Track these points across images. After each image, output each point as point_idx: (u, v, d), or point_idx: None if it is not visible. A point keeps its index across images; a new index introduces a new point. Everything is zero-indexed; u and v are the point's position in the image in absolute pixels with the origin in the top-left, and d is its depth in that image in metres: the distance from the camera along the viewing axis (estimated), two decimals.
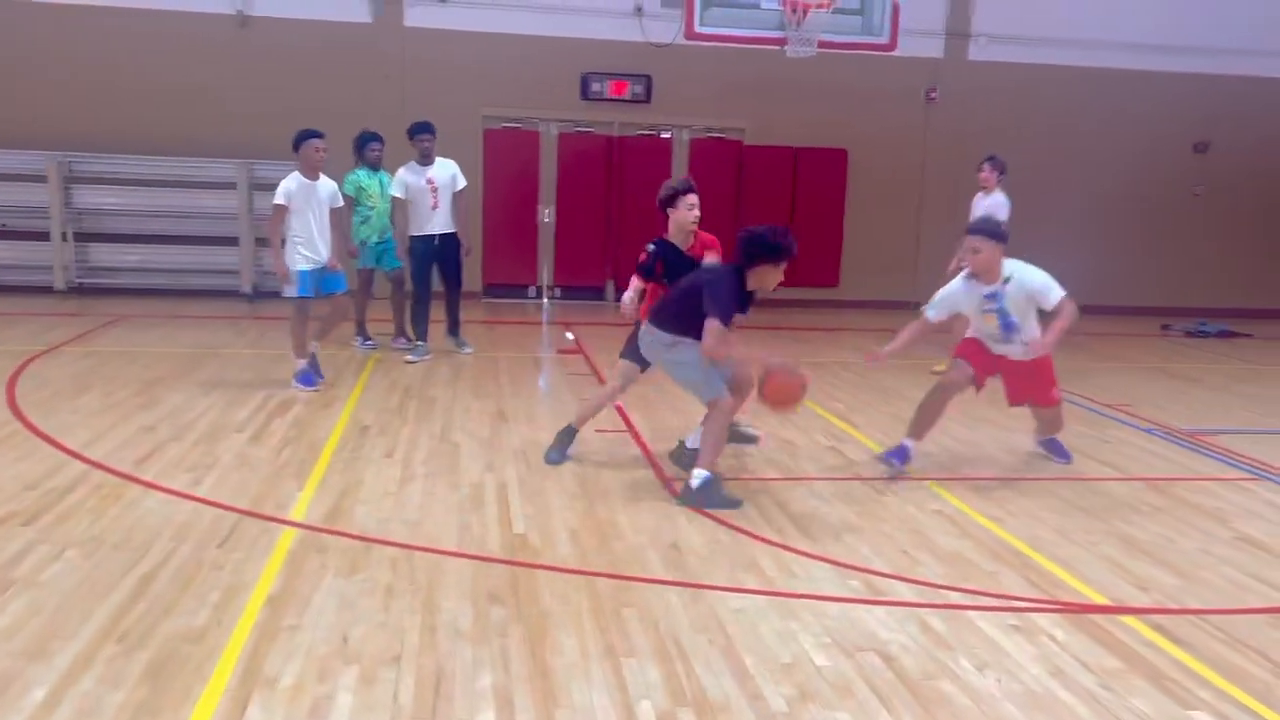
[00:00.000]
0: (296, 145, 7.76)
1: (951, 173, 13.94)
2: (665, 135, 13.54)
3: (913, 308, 14.12)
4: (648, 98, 13.31)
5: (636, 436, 6.77)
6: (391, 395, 7.74)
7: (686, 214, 6.29)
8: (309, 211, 7.75)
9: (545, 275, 13.70)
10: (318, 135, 7.78)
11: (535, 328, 11.74)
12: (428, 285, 9.14)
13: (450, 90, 13.00)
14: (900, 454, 6.07)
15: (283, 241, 7.78)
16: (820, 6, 10.10)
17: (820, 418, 7.54)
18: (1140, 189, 14.31)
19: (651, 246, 6.33)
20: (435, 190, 9.03)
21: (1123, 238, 14.39)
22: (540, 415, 7.27)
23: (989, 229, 6.05)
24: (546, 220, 13.56)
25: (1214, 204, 14.43)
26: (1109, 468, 6.43)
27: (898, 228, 14.05)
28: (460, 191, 9.26)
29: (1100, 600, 4.37)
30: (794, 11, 10.18)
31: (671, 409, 7.58)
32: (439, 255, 9.12)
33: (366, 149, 9.39)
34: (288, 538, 4.76)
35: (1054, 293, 5.85)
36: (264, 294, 12.49)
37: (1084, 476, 6.21)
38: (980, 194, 9.30)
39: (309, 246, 7.76)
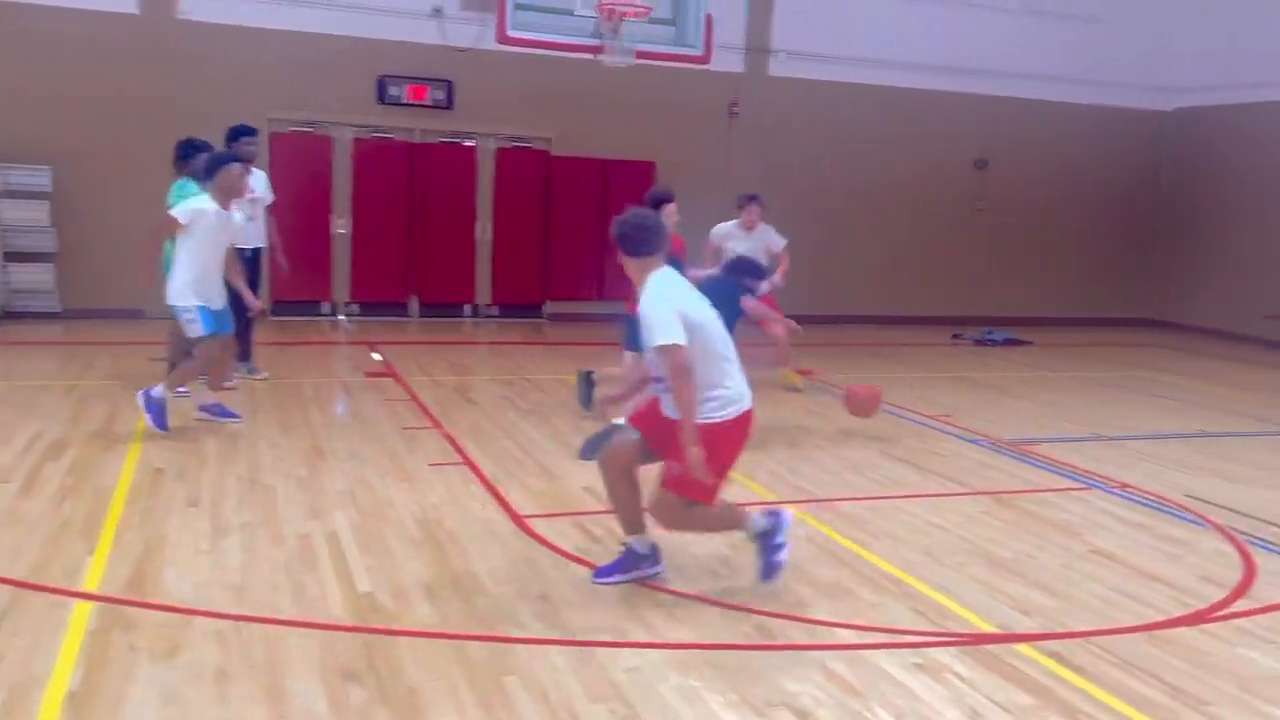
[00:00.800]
0: (210, 170, 6.81)
1: (756, 184, 14.09)
2: (469, 143, 12.97)
3: None
4: (450, 104, 12.70)
5: (475, 469, 6.25)
6: (183, 432, 6.85)
7: (668, 221, 6.91)
8: (214, 240, 6.81)
9: (341, 291, 12.81)
10: (238, 157, 6.93)
11: (334, 348, 10.90)
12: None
13: (231, 91, 11.91)
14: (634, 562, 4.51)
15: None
16: (636, 15, 9.86)
17: None
18: (928, 203, 14.95)
19: None
20: (254, 201, 8.22)
21: (912, 250, 14.99)
22: (363, 447, 6.61)
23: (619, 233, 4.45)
24: (341, 231, 12.69)
25: (993, 218, 15.28)
26: (953, 482, 6.46)
27: (703, 238, 14.02)
28: (271, 205, 8.48)
29: (989, 628, 4.26)
30: (609, 19, 9.89)
31: (507, 435, 7.09)
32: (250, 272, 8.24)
33: (196, 158, 7.77)
34: (83, 613, 3.98)
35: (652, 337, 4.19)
36: (14, 314, 11.03)
37: (931, 493, 6.20)
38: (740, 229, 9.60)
39: (203, 284, 6.79)
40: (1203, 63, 15.36)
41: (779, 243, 9.57)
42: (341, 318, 12.68)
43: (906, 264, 14.99)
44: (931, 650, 4.01)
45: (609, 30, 9.90)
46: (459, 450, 6.67)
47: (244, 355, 8.62)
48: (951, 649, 4.04)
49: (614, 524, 5.18)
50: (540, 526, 5.22)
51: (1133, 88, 15.59)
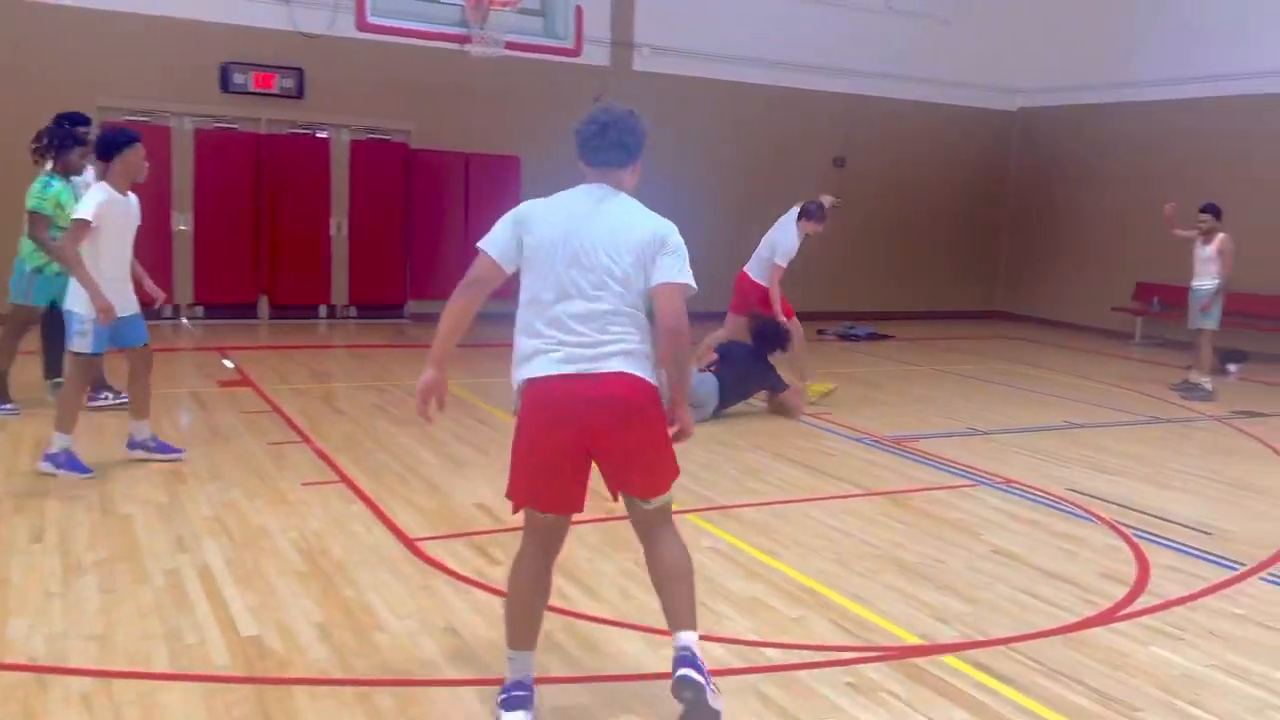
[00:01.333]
0: (109, 149, 5.78)
1: None
2: (321, 135, 12.31)
3: None
4: (300, 93, 12.02)
5: (355, 488, 5.82)
6: (18, 455, 6.16)
7: None
8: (122, 236, 5.89)
9: (183, 292, 11.96)
10: (138, 136, 5.90)
11: (179, 355, 10.12)
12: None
13: (56, 76, 10.94)
14: None
15: None
16: (504, 5, 9.50)
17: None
18: (789, 201, 15.06)
19: None
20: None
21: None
22: (226, 467, 6.07)
23: None
24: (182, 228, 11.85)
25: (852, 215, 15.54)
26: (847, 484, 6.42)
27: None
28: None
29: (912, 639, 4.17)
30: (476, 8, 9.49)
31: (383, 448, 6.67)
32: None
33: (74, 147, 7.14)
34: None
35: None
36: None
37: (828, 495, 6.13)
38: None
39: (118, 285, 5.87)
40: (1046, 64, 16.06)
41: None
42: (184, 321, 11.84)
43: None
44: (861, 667, 3.89)
45: (476, 20, 9.49)
46: (334, 467, 6.21)
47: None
48: (880, 665, 3.92)
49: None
50: (435, 550, 4.87)
51: (981, 88, 16.15)
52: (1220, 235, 10.14)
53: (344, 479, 5.98)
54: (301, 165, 12.22)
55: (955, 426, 8.31)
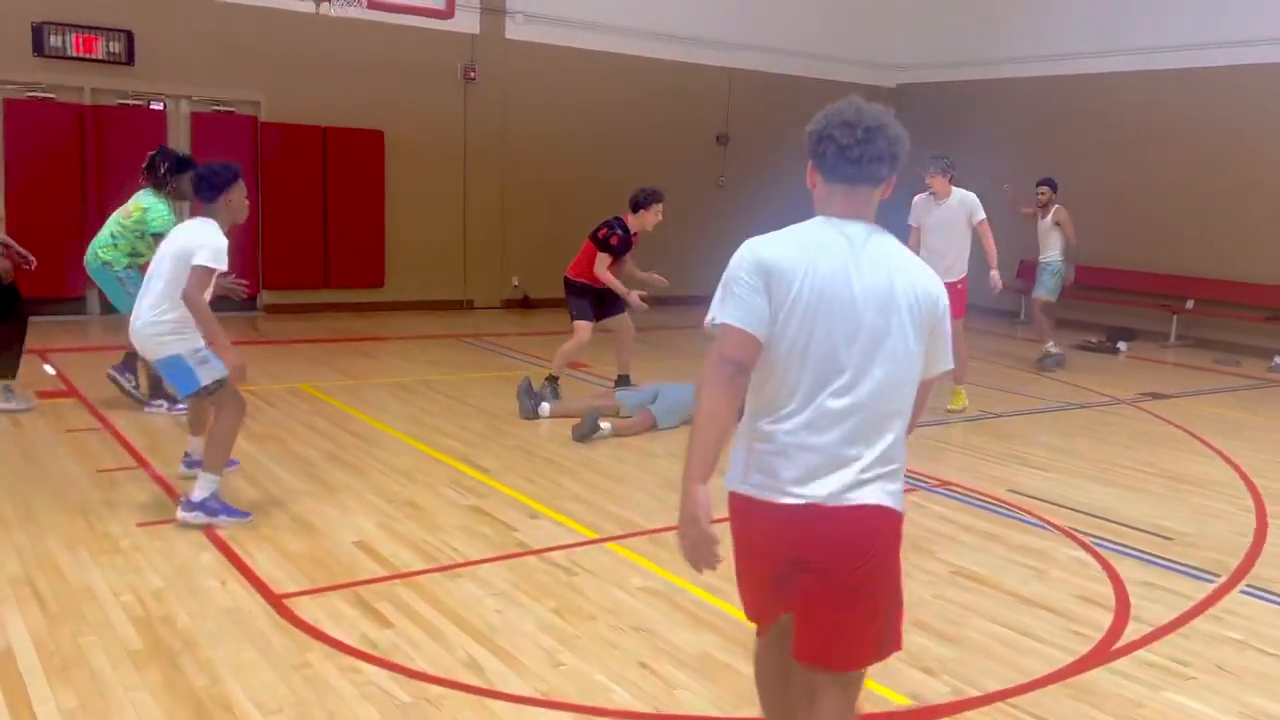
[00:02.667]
0: (219, 186, 4.87)
1: (495, 158, 12.98)
2: (156, 106, 10.92)
3: (465, 306, 13.02)
4: (129, 59, 10.61)
5: (205, 526, 4.80)
6: None
7: (655, 218, 8.16)
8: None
9: None
10: (239, 170, 5.02)
11: None
12: None
13: None
14: None
15: None
16: None
17: (440, 463, 6.06)
18: (672, 180, 14.36)
19: (620, 231, 7.98)
20: None
21: (656, 228, 14.38)
22: (42, 506, 4.96)
23: None
24: None
25: (735, 194, 14.98)
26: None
27: (442, 219, 12.75)
28: None
29: (901, 700, 3.52)
30: None
31: (239, 473, 5.64)
32: None
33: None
34: None
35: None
36: None
37: None
38: None
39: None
40: (924, 39, 15.82)
41: (978, 212, 8.16)
42: (48, 368, 10.32)
43: (651, 242, 14.35)
44: None
45: None
46: (175, 499, 5.17)
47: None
48: None
49: (410, 597, 4.05)
50: (309, 609, 3.96)
51: (862, 64, 15.77)
52: (1056, 207, 10.35)
53: (144, 464, 4.96)
54: (133, 141, 10.70)
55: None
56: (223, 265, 4.80)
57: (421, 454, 6.25)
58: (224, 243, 4.81)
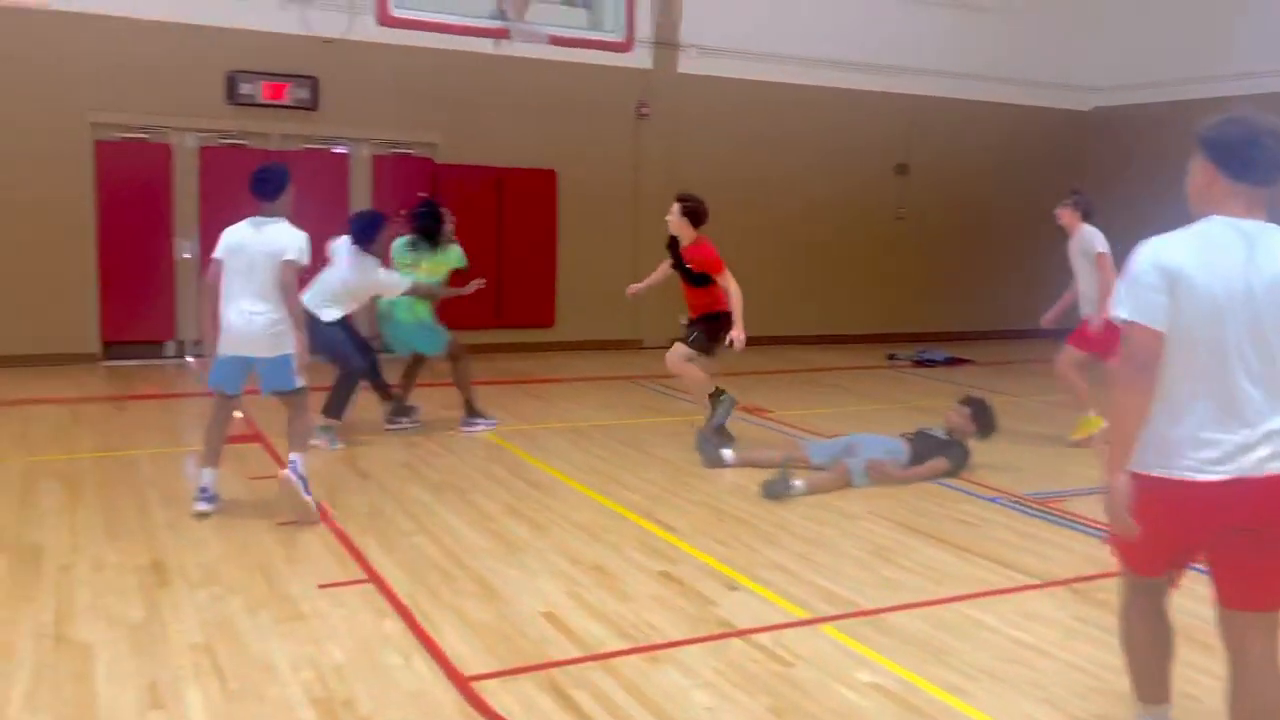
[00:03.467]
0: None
1: (666, 194, 12.64)
2: (339, 149, 11.10)
3: (634, 346, 12.72)
4: (314, 104, 10.82)
5: (386, 590, 4.51)
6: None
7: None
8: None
9: (187, 327, 10.74)
10: None
11: (181, 402, 8.86)
12: None
13: (44, 91, 9.80)
14: None
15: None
16: None
17: (624, 519, 5.65)
18: (849, 212, 13.78)
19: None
20: None
21: (835, 263, 13.80)
22: (225, 561, 4.79)
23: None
24: (187, 256, 10.63)
25: (916, 226, 14.22)
26: (1008, 569, 5.05)
27: (613, 257, 12.50)
28: None
29: None
30: None
31: (419, 525, 5.36)
32: None
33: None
34: None
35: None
36: None
37: (993, 589, 4.78)
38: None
39: None
40: (1121, 60, 14.75)
41: (1097, 244, 8.02)
42: (190, 360, 10.64)
43: (830, 278, 13.79)
44: None
45: (514, 11, 8.25)
46: (358, 557, 4.93)
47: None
48: None
49: (609, 685, 3.61)
50: (499, 695, 3.57)
51: (1053, 86, 14.82)
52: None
53: (372, 576, 4.69)
54: (317, 183, 10.90)
55: (1094, 475, 6.95)
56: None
57: (603, 508, 5.86)
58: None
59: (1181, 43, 13.87)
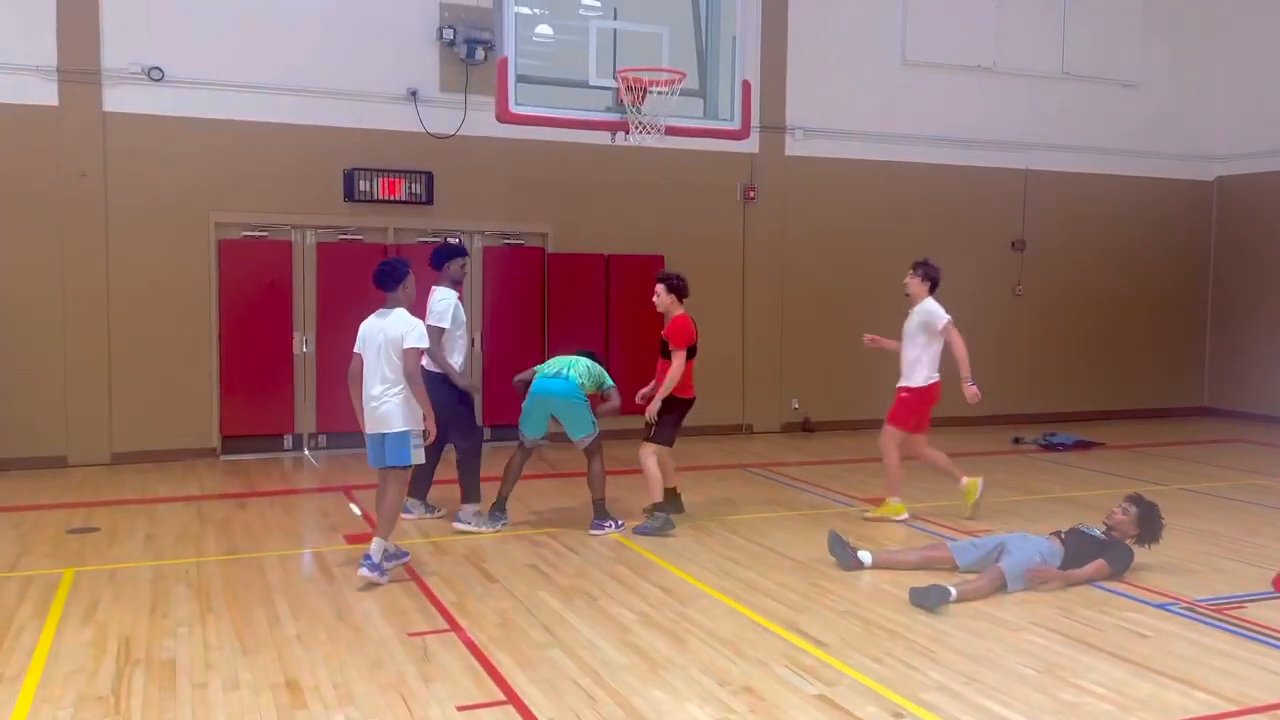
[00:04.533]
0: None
1: (773, 277, 12.50)
2: (453, 241, 11.18)
3: (744, 431, 12.44)
4: (429, 198, 10.96)
5: (525, 712, 4.28)
6: (102, 656, 4.84)
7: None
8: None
9: (305, 420, 10.84)
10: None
11: (300, 499, 8.85)
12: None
13: (169, 191, 10.12)
14: None
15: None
16: (665, 85, 8.23)
17: (767, 631, 5.33)
18: (964, 290, 13.34)
19: None
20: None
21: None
22: (358, 678, 4.62)
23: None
24: (305, 350, 10.77)
25: (1034, 303, 13.74)
26: (1201, 691, 4.57)
27: (720, 340, 12.29)
28: None
29: None
30: (630, 90, 8.25)
31: (552, 637, 5.13)
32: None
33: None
34: None
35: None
36: None
37: (1196, 717, 4.32)
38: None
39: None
40: (1244, 127, 14.21)
41: (940, 318, 7.99)
42: (307, 453, 10.70)
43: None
44: None
45: (631, 104, 8.24)
46: (494, 674, 4.71)
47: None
48: None
49: None
50: None
51: (1173, 157, 14.33)
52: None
53: (510, 697, 4.46)
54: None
55: (1263, 569, 6.40)
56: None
57: (743, 618, 5.56)
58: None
59: None
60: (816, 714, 4.29)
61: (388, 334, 6.11)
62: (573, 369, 7.63)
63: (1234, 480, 9.86)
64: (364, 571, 5.97)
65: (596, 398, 7.77)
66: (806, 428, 12.72)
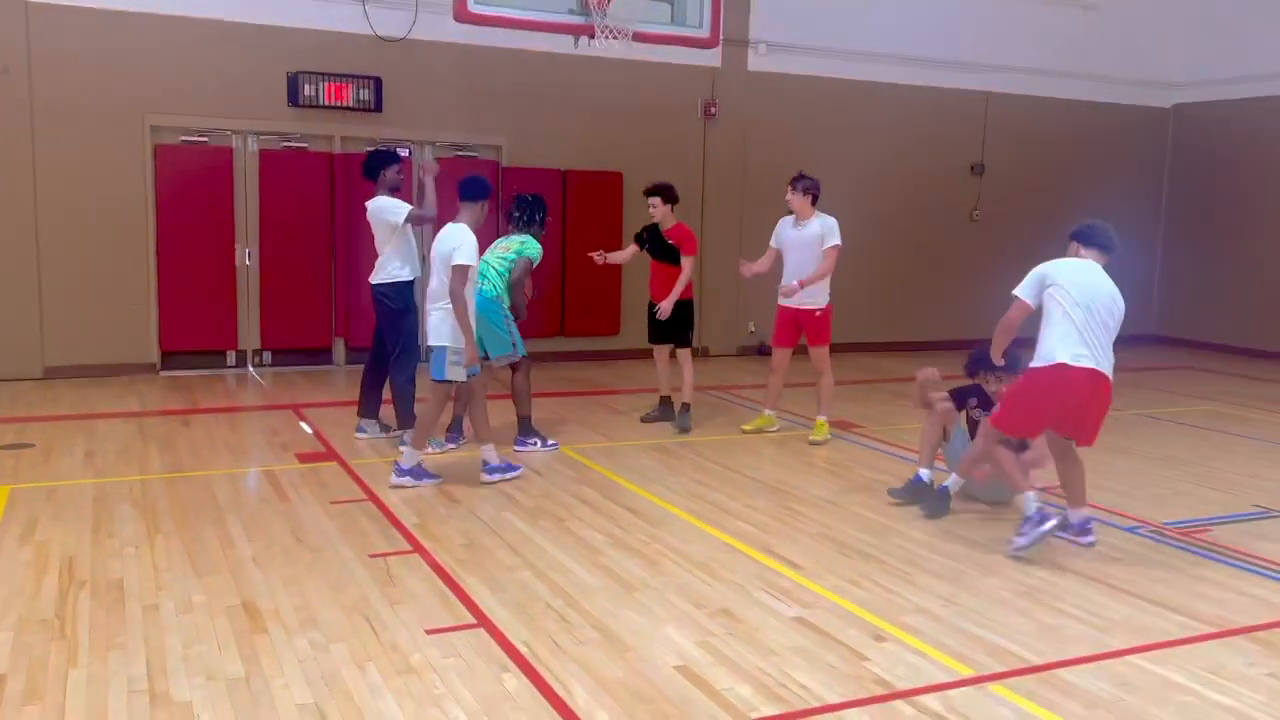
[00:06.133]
0: (479, 192, 6.56)
1: (733, 197, 12.25)
2: (403, 152, 10.73)
3: (700, 354, 12.29)
4: (378, 105, 10.46)
5: (501, 640, 4.12)
6: (35, 592, 4.57)
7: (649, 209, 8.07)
8: None
9: (249, 336, 10.44)
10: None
11: (246, 416, 8.52)
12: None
13: (101, 92, 9.52)
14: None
15: None
16: None
17: (739, 554, 5.22)
18: (925, 211, 13.29)
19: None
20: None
21: (908, 267, 13.31)
22: (320, 602, 4.41)
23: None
24: (247, 263, 10.33)
25: (990, 228, 13.69)
26: (1176, 614, 4.56)
27: None
28: None
29: None
30: None
31: (522, 559, 4.97)
32: None
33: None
34: None
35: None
36: None
37: (1168, 640, 4.29)
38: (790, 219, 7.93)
39: None
40: (1203, 55, 14.14)
41: (832, 237, 7.80)
42: (251, 370, 10.33)
43: (902, 283, 13.31)
44: None
45: (596, 7, 7.85)
46: (464, 598, 4.53)
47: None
48: None
49: None
50: None
51: (1133, 83, 14.25)
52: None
53: (481, 619, 4.29)
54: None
55: (1235, 502, 6.45)
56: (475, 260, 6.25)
57: (714, 540, 5.44)
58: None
59: (1266, 38, 13.27)
60: (797, 637, 4.19)
61: (440, 247, 6.20)
62: (490, 270, 7.12)
63: (1189, 406, 9.97)
64: (489, 477, 6.36)
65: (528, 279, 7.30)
66: (762, 351, 12.59)
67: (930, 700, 3.66)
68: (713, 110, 11.94)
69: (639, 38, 8.22)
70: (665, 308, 7.97)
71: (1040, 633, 4.29)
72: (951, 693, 3.73)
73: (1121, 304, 5.23)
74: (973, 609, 4.53)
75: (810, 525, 5.75)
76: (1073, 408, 5.15)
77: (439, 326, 6.22)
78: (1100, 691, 3.76)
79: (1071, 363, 5.02)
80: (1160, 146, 14.81)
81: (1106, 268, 5.43)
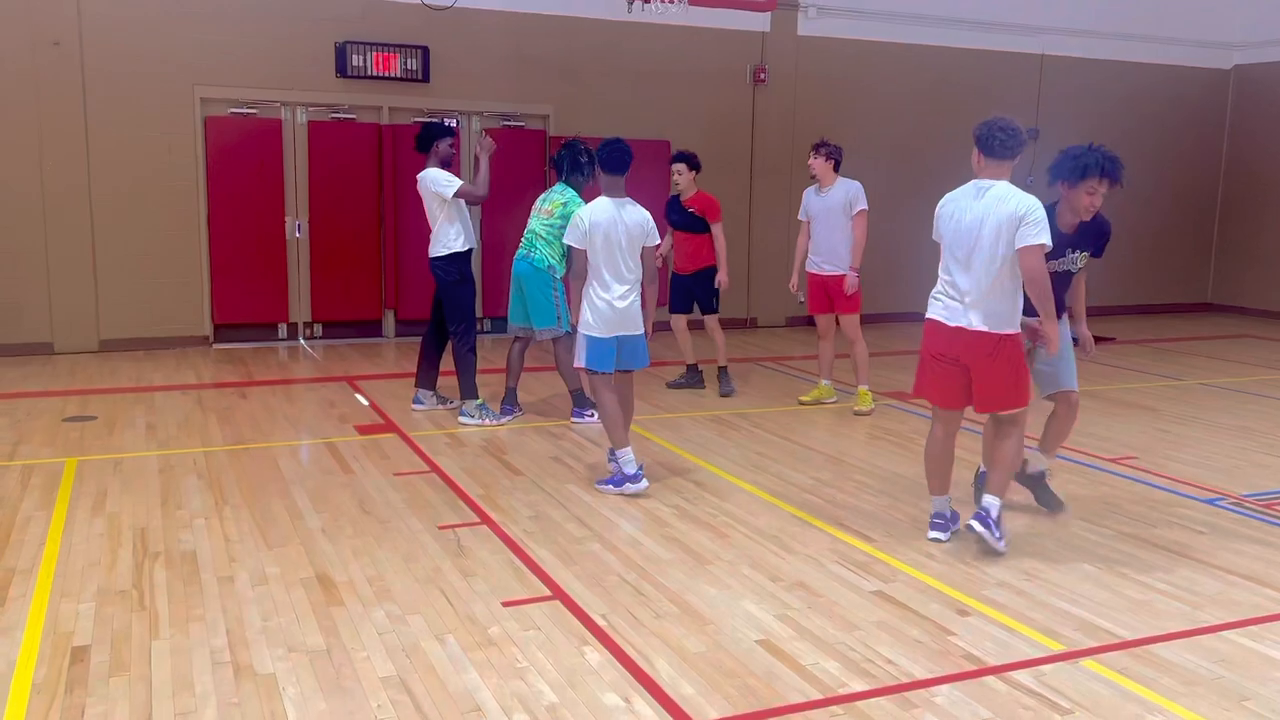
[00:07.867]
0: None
1: (783, 164, 12.07)
2: (451, 122, 10.66)
3: (748, 325, 12.19)
4: (425, 75, 10.40)
5: (575, 609, 4.07)
6: (118, 549, 4.59)
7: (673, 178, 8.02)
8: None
9: (299, 309, 10.45)
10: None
11: (301, 390, 8.53)
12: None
13: (152, 65, 9.51)
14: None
15: None
16: None
17: (811, 527, 5.14)
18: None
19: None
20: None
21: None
22: (393, 573, 4.39)
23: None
24: (298, 236, 10.33)
25: (1044, 194, 13.38)
26: (1277, 591, 4.45)
27: (727, 230, 11.91)
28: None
29: None
30: None
31: (588, 529, 4.92)
32: None
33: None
34: None
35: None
36: None
37: (1270, 615, 4.18)
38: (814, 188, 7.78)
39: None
40: (1265, 14, 13.71)
41: (859, 202, 7.70)
42: (303, 343, 10.35)
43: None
44: None
45: None
46: (536, 570, 4.50)
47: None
48: None
49: None
50: None
51: (1191, 44, 13.86)
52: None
53: (557, 592, 4.25)
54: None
55: None
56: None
57: (783, 513, 5.36)
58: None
59: None
60: (878, 611, 4.11)
61: (629, 226, 5.72)
62: (536, 239, 7.04)
63: (1252, 375, 9.74)
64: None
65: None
66: (812, 322, 12.44)
67: (1022, 676, 3.58)
68: (763, 76, 11.75)
69: (695, 2, 8.06)
70: (723, 278, 8.09)
71: (1130, 608, 4.19)
72: (1044, 668, 3.64)
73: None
74: (1056, 584, 4.43)
75: (878, 498, 5.66)
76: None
77: (635, 314, 5.72)
78: (1197, 668, 3.66)
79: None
80: (1220, 109, 14.42)
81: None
